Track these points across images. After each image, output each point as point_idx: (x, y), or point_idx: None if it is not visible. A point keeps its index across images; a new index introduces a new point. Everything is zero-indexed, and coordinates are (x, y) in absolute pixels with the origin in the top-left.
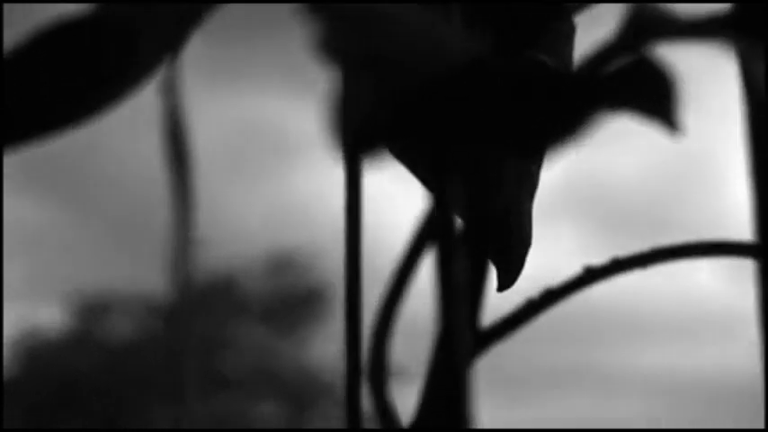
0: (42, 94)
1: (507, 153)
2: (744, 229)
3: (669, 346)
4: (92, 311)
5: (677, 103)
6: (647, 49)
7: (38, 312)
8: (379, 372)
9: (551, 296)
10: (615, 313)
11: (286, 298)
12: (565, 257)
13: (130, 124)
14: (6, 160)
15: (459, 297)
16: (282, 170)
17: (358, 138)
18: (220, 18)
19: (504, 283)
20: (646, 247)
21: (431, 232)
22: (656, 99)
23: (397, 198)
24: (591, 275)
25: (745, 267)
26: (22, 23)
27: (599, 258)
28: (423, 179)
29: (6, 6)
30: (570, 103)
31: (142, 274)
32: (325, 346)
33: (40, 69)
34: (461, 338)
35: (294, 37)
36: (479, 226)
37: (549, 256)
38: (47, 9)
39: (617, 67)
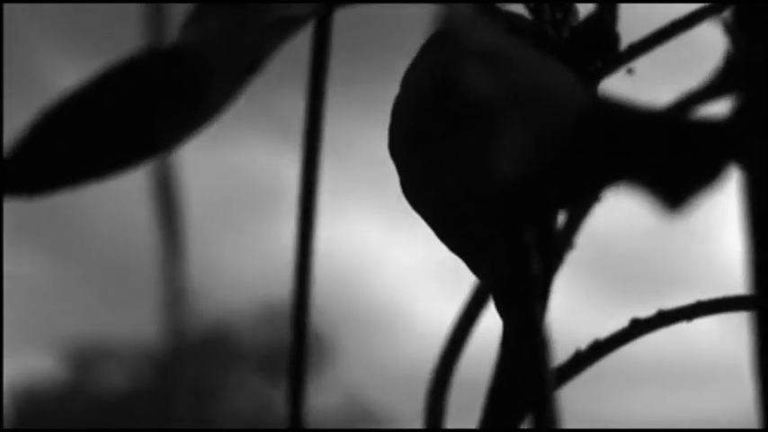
0: (107, 132)
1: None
2: (731, 279)
3: (667, 395)
4: (85, 361)
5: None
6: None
7: (31, 363)
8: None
9: (599, 349)
10: (611, 359)
11: (280, 347)
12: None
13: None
14: None
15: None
16: (276, 219)
17: (514, 187)
18: None
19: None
20: (652, 298)
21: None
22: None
23: (391, 244)
24: (637, 328)
25: (743, 316)
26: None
27: (596, 312)
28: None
29: None
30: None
31: (135, 323)
32: (319, 396)
33: (107, 106)
34: (517, 394)
35: (285, 87)
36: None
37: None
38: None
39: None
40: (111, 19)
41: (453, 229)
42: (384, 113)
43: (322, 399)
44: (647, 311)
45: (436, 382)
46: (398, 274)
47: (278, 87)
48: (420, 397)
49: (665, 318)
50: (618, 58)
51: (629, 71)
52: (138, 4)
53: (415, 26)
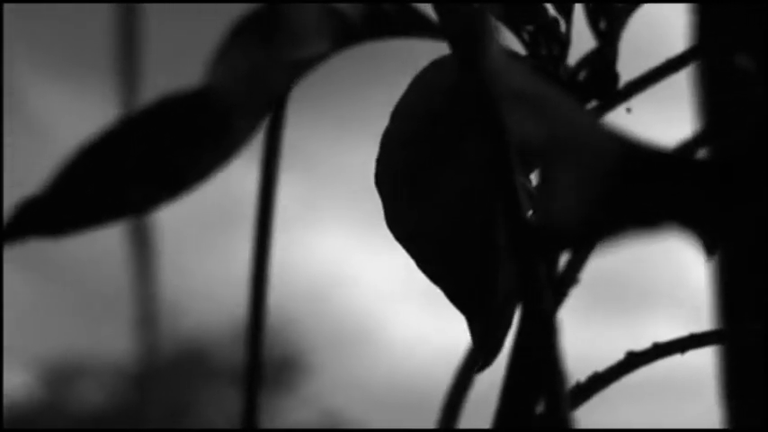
0: (134, 172)
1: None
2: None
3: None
4: (60, 379)
5: None
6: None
7: (7, 380)
8: None
9: (598, 381)
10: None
11: None
12: None
13: None
14: None
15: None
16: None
17: (573, 230)
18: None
19: (486, 364)
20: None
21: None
22: None
23: (366, 260)
24: (634, 360)
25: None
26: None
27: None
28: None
29: None
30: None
31: (109, 341)
32: (295, 412)
33: (137, 145)
34: (517, 421)
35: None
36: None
37: None
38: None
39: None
40: (81, 33)
41: (434, 260)
42: (358, 129)
43: (298, 415)
44: (625, 329)
45: (455, 386)
46: (374, 290)
47: None
48: (396, 411)
49: (660, 350)
50: (617, 95)
51: (628, 110)
52: (111, 22)
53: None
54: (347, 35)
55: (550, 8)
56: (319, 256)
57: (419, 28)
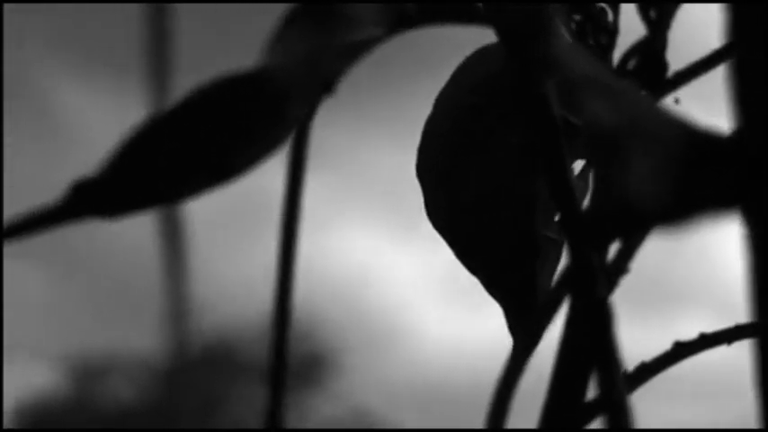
0: (191, 154)
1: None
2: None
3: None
4: (89, 375)
5: None
6: None
7: (35, 377)
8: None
9: (645, 371)
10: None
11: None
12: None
13: None
14: None
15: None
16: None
17: (635, 215)
18: None
19: (525, 356)
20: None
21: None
22: None
23: (397, 257)
24: (681, 351)
25: None
26: None
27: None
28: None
29: None
30: None
31: (138, 337)
32: (325, 409)
33: (193, 129)
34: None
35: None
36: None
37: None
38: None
39: None
40: (110, 33)
41: (472, 250)
42: (386, 126)
43: (328, 411)
44: (660, 326)
45: (502, 384)
46: (405, 288)
47: None
48: (425, 409)
49: (707, 341)
50: (666, 85)
51: (676, 100)
52: (141, 21)
53: (408, 37)
54: (400, 20)
55: None
56: (350, 254)
57: (470, 15)
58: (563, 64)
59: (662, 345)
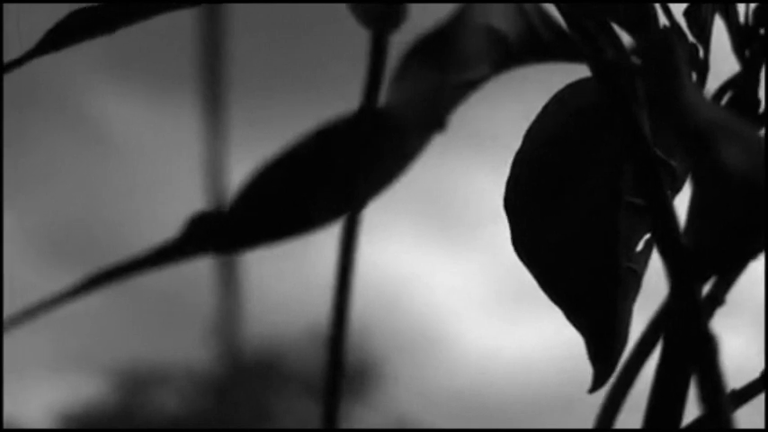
0: (316, 189)
1: None
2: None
3: None
4: (137, 386)
5: None
6: None
7: (83, 387)
8: None
9: (736, 398)
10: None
11: None
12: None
13: (171, 194)
14: (37, 232)
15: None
16: (330, 244)
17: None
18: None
19: (601, 383)
20: None
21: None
22: None
23: (439, 267)
24: None
25: None
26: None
27: None
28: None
29: None
30: None
31: (187, 348)
32: (368, 419)
33: (318, 164)
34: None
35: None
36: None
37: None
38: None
39: None
40: (164, 48)
41: (558, 282)
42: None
43: (371, 421)
44: None
45: (616, 386)
46: (449, 298)
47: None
48: (470, 420)
49: None
50: (756, 121)
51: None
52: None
53: None
54: (508, 59)
55: (689, 35)
56: (393, 263)
57: (573, 54)
58: (692, 108)
59: None
